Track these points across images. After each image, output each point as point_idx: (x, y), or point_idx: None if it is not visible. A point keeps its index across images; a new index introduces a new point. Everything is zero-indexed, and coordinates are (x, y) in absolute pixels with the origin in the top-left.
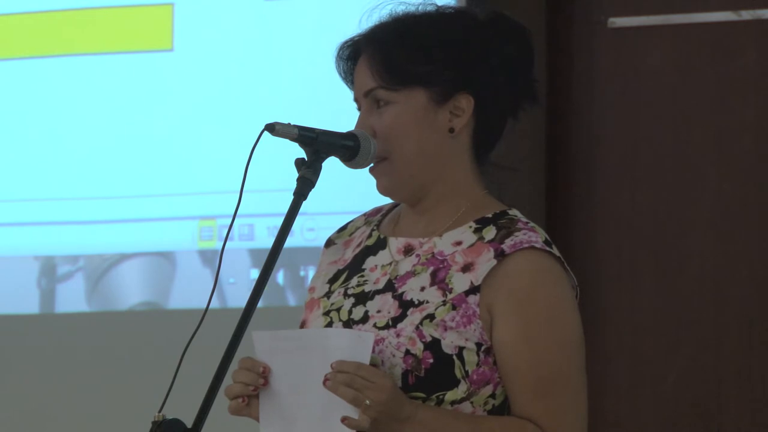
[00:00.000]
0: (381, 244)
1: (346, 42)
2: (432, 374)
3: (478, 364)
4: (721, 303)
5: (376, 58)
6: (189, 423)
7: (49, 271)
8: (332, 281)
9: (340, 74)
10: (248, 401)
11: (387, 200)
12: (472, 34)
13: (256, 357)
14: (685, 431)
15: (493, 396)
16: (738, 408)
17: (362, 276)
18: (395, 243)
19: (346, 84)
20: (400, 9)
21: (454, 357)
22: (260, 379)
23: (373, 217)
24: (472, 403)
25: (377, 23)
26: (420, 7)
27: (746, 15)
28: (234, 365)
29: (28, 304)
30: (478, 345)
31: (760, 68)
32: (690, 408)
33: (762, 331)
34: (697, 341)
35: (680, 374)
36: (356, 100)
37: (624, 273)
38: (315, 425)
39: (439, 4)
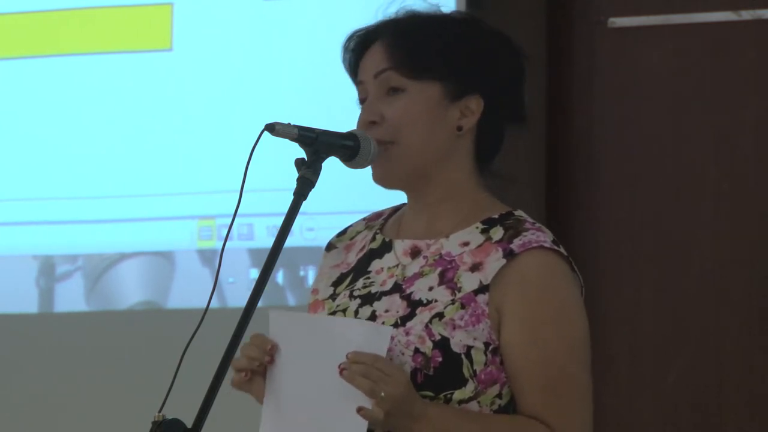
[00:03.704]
0: (386, 247)
1: (358, 30)
2: (440, 373)
3: (485, 364)
4: (722, 303)
5: (396, 44)
6: (189, 423)
7: (48, 270)
8: (336, 284)
9: (344, 61)
10: (251, 377)
11: (386, 203)
12: (489, 42)
13: (269, 335)
14: (685, 431)
15: (499, 396)
16: (738, 408)
17: (368, 278)
18: (401, 245)
19: (349, 70)
20: (416, 8)
21: (462, 356)
22: (266, 356)
23: (374, 222)
24: (479, 402)
25: (393, 17)
26: (431, 9)
27: (746, 15)
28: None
29: (27, 303)
30: (486, 344)
31: (760, 68)
32: (690, 408)
33: (762, 331)
34: (697, 341)
35: (680, 374)
36: (361, 82)
37: (624, 273)
38: (319, 411)
39: (436, 8)
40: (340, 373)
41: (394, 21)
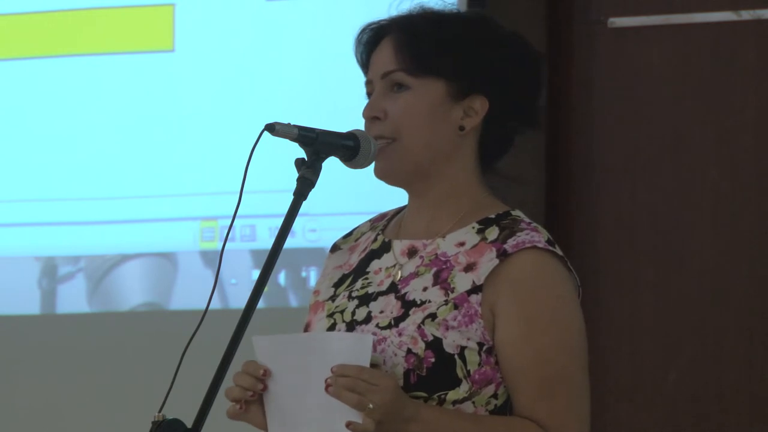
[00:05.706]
0: (386, 248)
1: (370, 24)
2: (433, 373)
3: (479, 364)
4: (721, 303)
5: (404, 41)
6: (189, 423)
7: (50, 271)
8: (337, 285)
9: (356, 55)
10: (246, 407)
11: (389, 204)
12: (501, 44)
13: (257, 361)
14: (685, 431)
15: (495, 396)
16: (738, 408)
17: (366, 279)
18: (399, 245)
19: (360, 63)
20: (429, 6)
21: (456, 356)
22: (259, 384)
23: (378, 223)
24: (473, 402)
25: (406, 13)
26: (447, 8)
27: (746, 15)
28: (234, 366)
29: (29, 304)
30: (480, 345)
31: (760, 68)
32: (690, 408)
33: (762, 331)
34: (697, 341)
35: (680, 374)
36: (370, 81)
37: (624, 273)
38: (319, 430)
39: (451, 6)
40: (326, 389)
41: (405, 17)
